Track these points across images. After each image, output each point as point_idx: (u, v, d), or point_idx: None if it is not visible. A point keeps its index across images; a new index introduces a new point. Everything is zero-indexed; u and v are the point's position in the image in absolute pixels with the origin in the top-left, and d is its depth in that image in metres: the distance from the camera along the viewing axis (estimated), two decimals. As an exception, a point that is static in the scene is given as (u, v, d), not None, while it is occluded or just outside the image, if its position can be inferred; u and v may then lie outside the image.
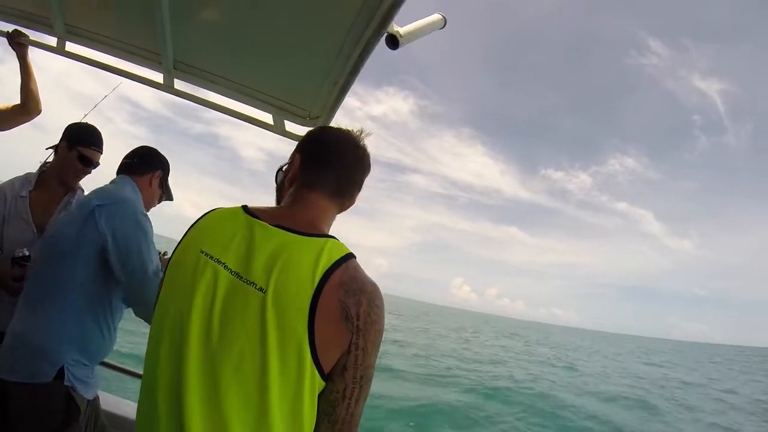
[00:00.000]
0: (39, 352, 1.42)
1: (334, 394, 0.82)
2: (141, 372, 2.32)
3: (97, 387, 1.58)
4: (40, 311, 1.47)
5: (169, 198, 1.90)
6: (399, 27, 1.27)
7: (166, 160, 1.86)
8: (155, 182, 1.79)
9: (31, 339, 1.44)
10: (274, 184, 1.11)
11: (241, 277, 0.83)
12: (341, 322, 0.80)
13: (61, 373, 1.42)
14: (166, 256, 1.83)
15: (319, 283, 0.79)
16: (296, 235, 0.87)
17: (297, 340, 0.77)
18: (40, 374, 1.41)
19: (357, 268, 0.86)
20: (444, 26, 1.46)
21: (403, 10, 1.22)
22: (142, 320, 1.54)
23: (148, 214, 1.67)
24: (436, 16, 1.44)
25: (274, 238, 0.86)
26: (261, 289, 0.80)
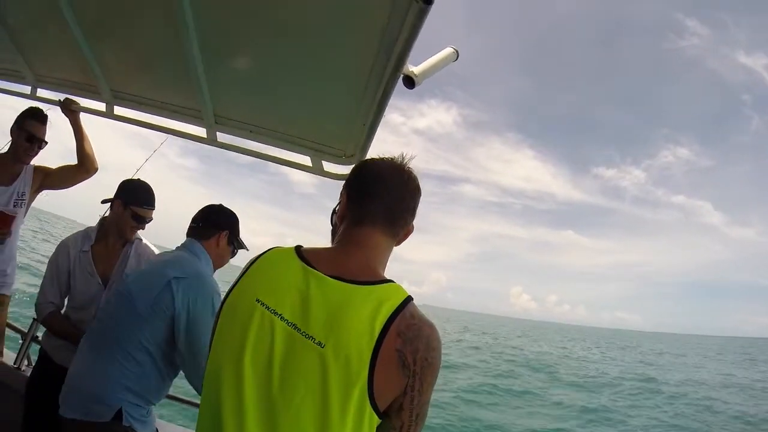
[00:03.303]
0: (96, 396, 1.52)
1: (391, 431, 0.87)
2: (187, 398, 2.39)
3: (153, 423, 1.67)
4: (102, 359, 1.57)
5: (242, 248, 1.95)
6: (414, 66, 1.36)
7: (232, 216, 1.90)
8: (222, 242, 1.84)
9: (90, 383, 1.55)
10: (325, 207, 1.15)
11: (299, 330, 0.85)
12: (399, 369, 0.83)
13: (119, 414, 1.52)
14: None
15: (378, 336, 0.82)
16: (353, 285, 0.89)
17: (358, 389, 0.80)
18: (98, 414, 1.51)
19: (413, 313, 0.87)
20: (457, 59, 1.53)
21: (421, 44, 1.31)
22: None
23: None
24: (448, 50, 1.51)
25: (330, 291, 0.88)
26: (319, 344, 0.82)
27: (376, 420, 0.83)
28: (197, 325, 1.58)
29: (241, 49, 1.64)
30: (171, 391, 2.18)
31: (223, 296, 1.01)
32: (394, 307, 0.86)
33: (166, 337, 1.59)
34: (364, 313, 0.84)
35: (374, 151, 1.66)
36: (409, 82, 1.34)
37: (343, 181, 1.10)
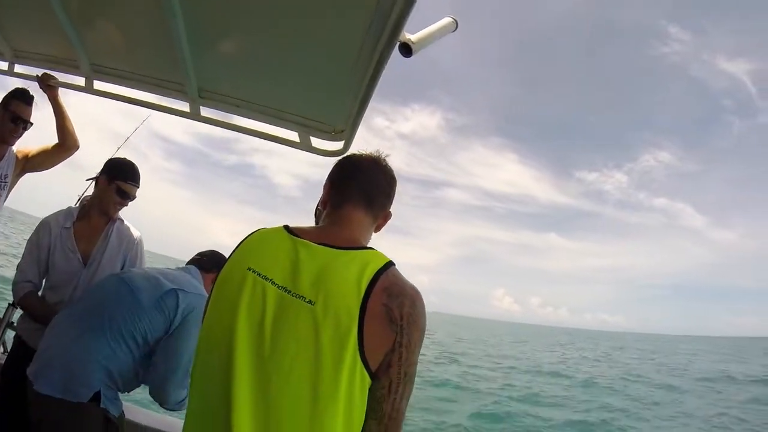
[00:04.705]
0: (78, 375, 1.51)
1: (380, 391, 0.88)
2: None
3: (121, 403, 1.69)
4: (89, 337, 1.56)
5: None
6: (411, 34, 1.30)
7: None
8: None
9: (72, 361, 1.53)
10: (311, 209, 1.22)
11: (290, 292, 0.89)
12: (386, 324, 0.87)
13: (96, 396, 1.52)
14: None
15: (366, 291, 0.87)
16: (339, 249, 0.95)
17: (349, 343, 0.83)
18: (76, 394, 1.50)
19: (397, 274, 0.94)
20: (456, 29, 1.47)
21: (416, 17, 1.25)
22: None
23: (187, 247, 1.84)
24: (447, 20, 1.45)
25: (318, 254, 0.94)
26: (310, 302, 0.86)
27: (368, 381, 0.86)
28: (184, 339, 1.65)
29: (226, 19, 1.55)
30: None
31: None
32: (379, 267, 0.92)
33: (157, 336, 1.65)
34: (350, 272, 0.89)
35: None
36: (406, 49, 1.28)
37: (332, 158, 1.25)
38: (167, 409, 1.77)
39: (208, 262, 1.98)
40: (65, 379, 1.51)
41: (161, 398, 1.69)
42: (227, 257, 2.04)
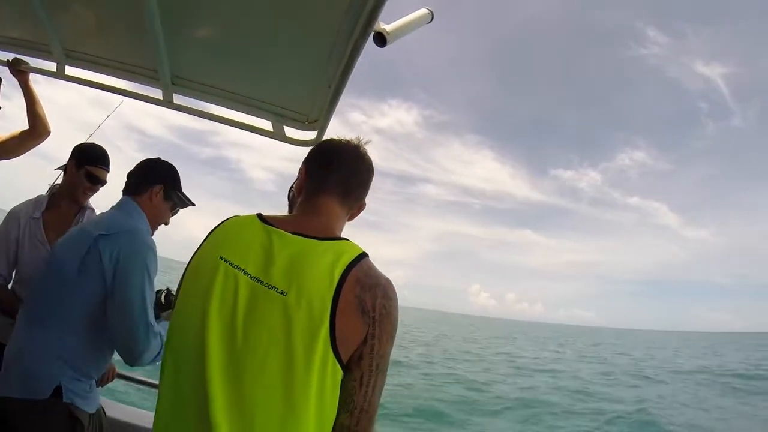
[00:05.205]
0: (34, 371, 1.44)
1: (351, 383, 0.87)
2: (142, 378, 2.31)
3: (97, 399, 1.59)
4: (38, 331, 1.48)
5: (187, 204, 1.84)
6: (386, 24, 1.30)
7: (169, 169, 1.78)
8: (156, 198, 1.71)
9: (27, 357, 1.46)
10: (286, 204, 1.19)
11: (262, 282, 0.87)
12: (359, 315, 0.86)
13: (59, 391, 1.42)
14: (166, 293, 1.79)
15: (338, 282, 0.86)
16: (313, 240, 0.93)
17: (321, 335, 0.82)
18: (35, 391, 1.42)
19: (371, 265, 0.93)
20: (431, 20, 1.47)
21: (391, 7, 1.25)
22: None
23: (154, 237, 1.67)
24: (422, 11, 1.45)
25: (291, 244, 0.92)
26: (282, 292, 0.85)
27: (340, 373, 0.85)
28: (126, 284, 1.47)
29: (200, 5, 1.53)
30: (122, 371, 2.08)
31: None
32: (352, 258, 0.91)
33: (99, 303, 1.48)
34: (324, 263, 0.88)
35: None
36: (381, 39, 1.28)
37: (305, 147, 1.19)
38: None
39: (136, 184, 1.70)
40: (23, 378, 1.43)
41: (132, 361, 1.53)
42: (167, 169, 1.79)
